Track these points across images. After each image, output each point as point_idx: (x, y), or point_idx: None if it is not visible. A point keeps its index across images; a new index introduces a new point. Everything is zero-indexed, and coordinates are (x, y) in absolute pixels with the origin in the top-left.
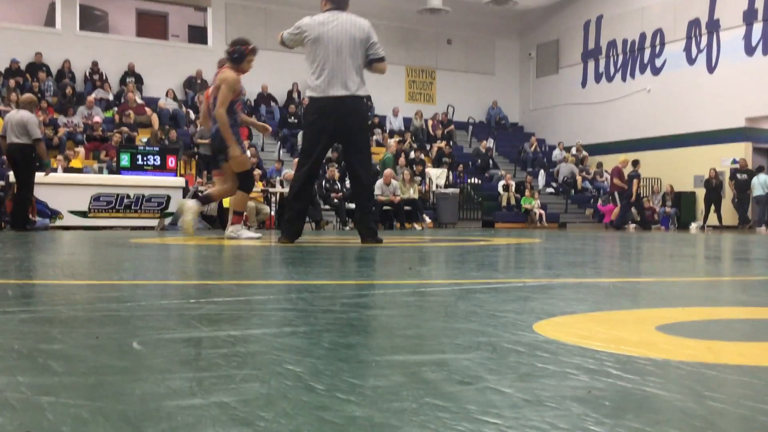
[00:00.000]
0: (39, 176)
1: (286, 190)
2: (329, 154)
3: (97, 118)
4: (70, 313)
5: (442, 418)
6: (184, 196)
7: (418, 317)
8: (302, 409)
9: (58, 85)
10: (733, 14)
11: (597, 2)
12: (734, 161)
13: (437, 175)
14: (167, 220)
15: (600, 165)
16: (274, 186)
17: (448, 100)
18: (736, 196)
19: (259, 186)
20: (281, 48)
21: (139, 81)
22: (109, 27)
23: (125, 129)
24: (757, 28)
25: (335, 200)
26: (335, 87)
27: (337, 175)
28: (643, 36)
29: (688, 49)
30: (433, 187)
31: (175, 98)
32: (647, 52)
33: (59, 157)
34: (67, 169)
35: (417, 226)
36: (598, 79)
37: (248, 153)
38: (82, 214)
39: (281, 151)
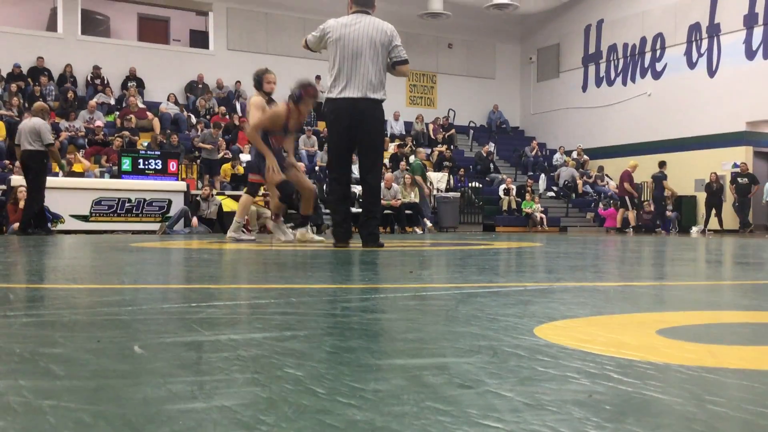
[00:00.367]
0: (55, 181)
1: None
2: None
3: (99, 123)
4: (72, 316)
5: (443, 422)
6: (185, 201)
7: (418, 321)
8: (303, 413)
9: (59, 90)
10: (734, 18)
11: (597, 6)
12: (735, 165)
13: (438, 179)
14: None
15: (601, 169)
16: None
17: (449, 104)
18: (737, 200)
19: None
20: (283, 53)
21: (140, 85)
22: (111, 31)
23: (126, 133)
24: (758, 32)
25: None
26: (351, 89)
27: None
28: (643, 40)
29: (688, 53)
30: (434, 191)
31: (176, 102)
32: (648, 56)
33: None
34: (69, 173)
35: (418, 230)
36: (598, 83)
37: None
38: (84, 218)
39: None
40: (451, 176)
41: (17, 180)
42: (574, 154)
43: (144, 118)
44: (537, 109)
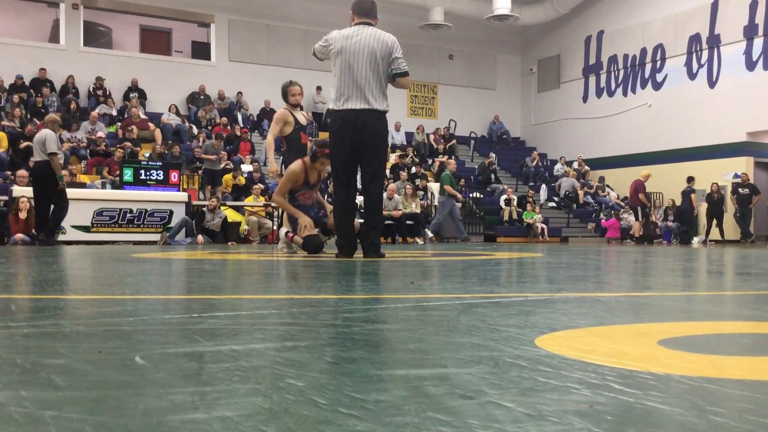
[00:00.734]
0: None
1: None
2: None
3: (101, 134)
4: (73, 327)
5: None
6: (186, 211)
7: (420, 331)
8: (304, 424)
9: (62, 101)
10: (734, 29)
11: (598, 18)
12: (736, 175)
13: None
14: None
15: (602, 179)
16: None
17: (450, 114)
18: (738, 211)
19: (260, 200)
20: (285, 64)
21: (142, 96)
22: (113, 43)
23: (128, 144)
24: (758, 43)
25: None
26: (353, 100)
27: None
28: (644, 51)
29: (688, 64)
30: (435, 202)
31: (177, 113)
32: (648, 67)
33: (63, 172)
34: (71, 184)
35: (419, 241)
36: (599, 94)
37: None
38: (85, 229)
39: (283, 166)
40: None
41: (19, 191)
42: (575, 165)
43: (146, 129)
44: (538, 120)
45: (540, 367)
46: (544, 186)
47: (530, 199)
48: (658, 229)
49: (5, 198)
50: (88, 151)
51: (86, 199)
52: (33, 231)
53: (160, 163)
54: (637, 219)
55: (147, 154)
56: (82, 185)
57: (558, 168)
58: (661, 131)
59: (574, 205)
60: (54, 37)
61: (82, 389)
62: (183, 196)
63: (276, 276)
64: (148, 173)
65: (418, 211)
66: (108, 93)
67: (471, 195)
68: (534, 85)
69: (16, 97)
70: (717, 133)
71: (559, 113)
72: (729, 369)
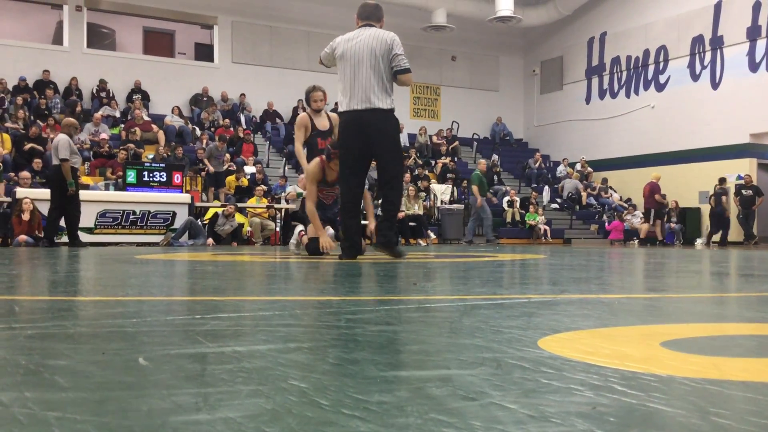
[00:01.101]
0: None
1: (291, 206)
2: None
3: (104, 135)
4: (77, 329)
5: None
6: (190, 213)
7: (422, 333)
8: (307, 425)
9: (65, 103)
10: (737, 31)
11: (601, 19)
12: (739, 177)
13: (442, 191)
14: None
15: (605, 181)
16: (278, 202)
17: (453, 116)
18: (741, 212)
19: (263, 202)
20: (287, 65)
21: (145, 98)
22: (116, 45)
23: (132, 146)
24: (761, 44)
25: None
26: (357, 101)
27: None
28: (646, 52)
29: (692, 66)
30: (438, 203)
31: (180, 115)
32: (651, 69)
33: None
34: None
35: (422, 242)
36: (602, 95)
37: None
38: (88, 231)
39: (286, 168)
40: (454, 188)
41: (22, 192)
42: (578, 166)
43: (149, 130)
44: (540, 121)
45: (543, 368)
46: (546, 188)
47: (533, 201)
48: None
49: (8, 199)
50: (91, 152)
51: (89, 201)
52: (36, 233)
53: (164, 165)
54: (651, 221)
55: (150, 156)
56: (85, 187)
57: (561, 170)
58: (664, 133)
59: (577, 207)
60: (57, 39)
61: (86, 390)
62: (186, 197)
63: (279, 277)
64: (151, 175)
65: (421, 212)
66: (111, 95)
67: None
68: (537, 87)
69: (19, 99)
70: (720, 134)
71: (561, 115)
72: (732, 371)
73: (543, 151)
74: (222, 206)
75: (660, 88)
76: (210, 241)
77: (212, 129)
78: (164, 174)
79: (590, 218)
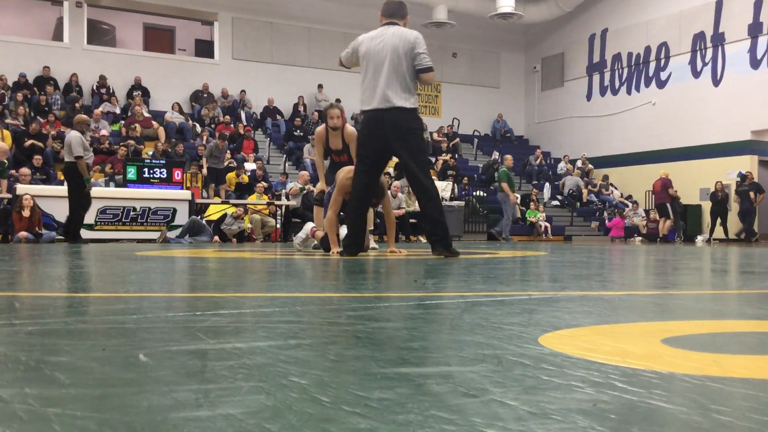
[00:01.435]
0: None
1: (291, 203)
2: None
3: (104, 132)
4: (77, 325)
5: (448, 430)
6: (190, 209)
7: (423, 330)
8: (308, 422)
9: (65, 99)
10: (738, 27)
11: (602, 16)
12: (740, 174)
13: (442, 188)
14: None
15: (606, 178)
16: (279, 199)
17: (454, 113)
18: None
19: (264, 199)
20: (287, 62)
21: (145, 94)
22: (117, 41)
23: (132, 142)
24: (762, 41)
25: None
26: (377, 99)
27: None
28: (648, 49)
29: (693, 63)
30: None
31: (181, 111)
32: (652, 66)
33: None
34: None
35: (422, 239)
36: (603, 92)
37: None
38: (89, 227)
39: (287, 164)
40: (455, 185)
41: (22, 188)
42: (579, 163)
43: (149, 127)
44: (541, 118)
45: (543, 365)
46: (547, 184)
47: (534, 198)
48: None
49: (9, 195)
50: (91, 149)
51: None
52: (36, 229)
53: (164, 161)
54: (667, 217)
55: (150, 153)
56: None
57: (561, 166)
58: (665, 130)
59: (578, 204)
60: (58, 35)
61: (86, 387)
62: (186, 194)
63: (279, 274)
64: (151, 171)
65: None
66: (111, 91)
67: (474, 193)
68: (538, 84)
69: (19, 96)
70: (721, 131)
71: (562, 111)
72: (733, 368)
73: (544, 148)
74: (223, 203)
75: (661, 84)
76: (216, 238)
77: (212, 126)
78: (164, 170)
79: (591, 215)
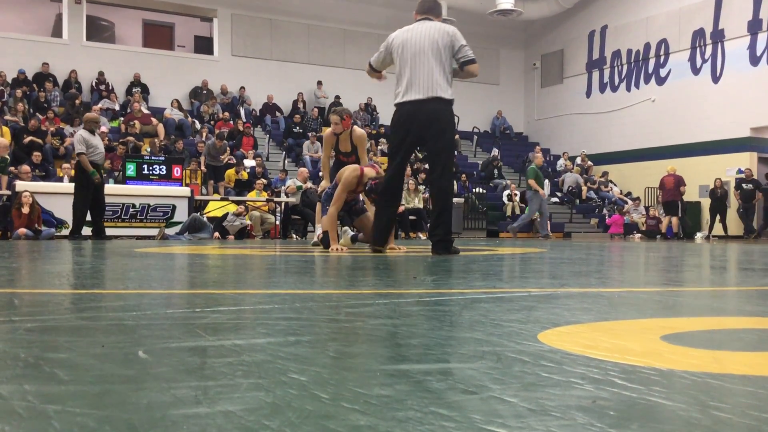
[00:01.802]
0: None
1: (291, 200)
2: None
3: (103, 128)
4: (76, 321)
5: (447, 427)
6: (189, 206)
7: (422, 326)
8: (307, 418)
9: (64, 95)
10: (738, 24)
11: (601, 12)
12: (739, 171)
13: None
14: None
15: (605, 174)
16: (278, 195)
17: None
18: (742, 206)
19: (263, 196)
20: (287, 59)
21: (145, 91)
22: (116, 37)
23: (131, 139)
24: (762, 38)
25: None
26: (414, 91)
27: None
28: (647, 46)
29: (692, 59)
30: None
31: (180, 108)
32: (652, 62)
33: (65, 165)
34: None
35: (422, 236)
36: (602, 89)
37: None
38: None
39: (286, 161)
40: (454, 182)
41: (22, 185)
42: (578, 160)
43: (148, 123)
44: (541, 115)
45: (543, 362)
46: (547, 181)
47: None
48: (661, 225)
49: (8, 192)
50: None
51: None
52: (35, 226)
53: (163, 158)
54: (676, 214)
55: (149, 149)
56: None
57: (561, 163)
58: (665, 127)
59: (577, 201)
60: (57, 32)
61: (86, 383)
62: (186, 191)
63: (279, 271)
64: (150, 168)
65: (421, 206)
66: (110, 88)
67: (474, 190)
68: (537, 80)
69: (18, 92)
70: (721, 128)
71: (562, 108)
72: (732, 364)
73: (543, 145)
74: (222, 199)
75: (661, 81)
76: (216, 234)
77: (212, 122)
78: (164, 167)
79: (590, 212)
